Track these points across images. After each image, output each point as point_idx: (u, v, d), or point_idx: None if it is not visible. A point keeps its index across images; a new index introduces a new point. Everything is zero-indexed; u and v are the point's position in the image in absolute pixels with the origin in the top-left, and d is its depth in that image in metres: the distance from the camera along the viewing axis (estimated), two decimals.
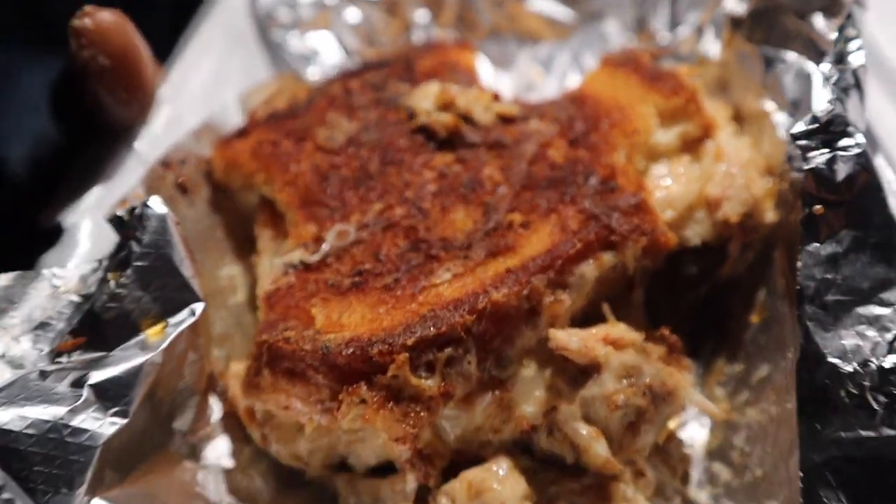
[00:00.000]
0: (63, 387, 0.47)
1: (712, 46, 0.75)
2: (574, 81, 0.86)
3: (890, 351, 0.46)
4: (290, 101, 0.75)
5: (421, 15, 0.89)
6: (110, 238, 0.57)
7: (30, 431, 0.46)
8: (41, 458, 0.45)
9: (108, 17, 0.62)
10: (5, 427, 0.46)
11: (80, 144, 0.69)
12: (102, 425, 0.47)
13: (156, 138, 0.69)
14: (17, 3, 0.98)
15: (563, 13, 0.88)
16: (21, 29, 0.99)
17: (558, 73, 0.88)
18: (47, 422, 0.46)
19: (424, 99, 0.70)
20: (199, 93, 0.75)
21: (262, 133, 0.70)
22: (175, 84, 0.72)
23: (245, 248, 0.71)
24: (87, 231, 0.60)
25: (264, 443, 0.58)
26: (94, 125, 0.66)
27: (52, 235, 0.58)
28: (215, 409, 0.61)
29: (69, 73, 0.65)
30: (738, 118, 0.70)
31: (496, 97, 0.73)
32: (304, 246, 0.60)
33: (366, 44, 0.89)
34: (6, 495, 0.45)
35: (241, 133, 0.72)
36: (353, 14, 0.88)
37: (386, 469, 0.56)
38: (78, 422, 0.46)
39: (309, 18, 0.88)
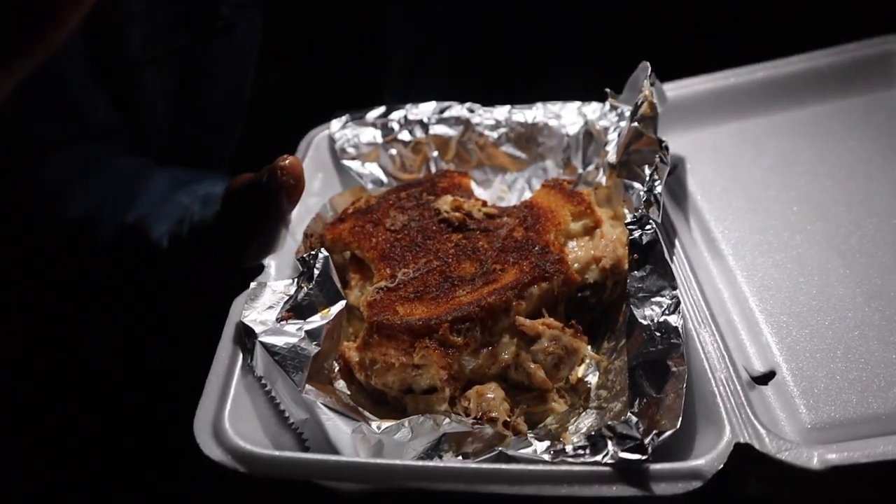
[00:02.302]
0: (292, 330, 0.79)
1: (603, 178, 1.02)
2: (527, 195, 1.09)
3: (662, 315, 0.73)
4: (366, 203, 1.05)
5: (434, 153, 1.17)
6: (285, 270, 0.91)
7: (284, 346, 0.76)
8: (289, 358, 0.75)
9: (293, 158, 0.87)
10: (274, 342, 0.76)
11: (254, 226, 0.91)
12: (311, 347, 0.77)
13: (292, 220, 0.98)
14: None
15: (521, 154, 1.15)
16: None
17: (517, 191, 1.15)
18: (290, 343, 0.76)
19: (444, 204, 0.96)
20: (305, 197, 1.01)
21: (353, 221, 0.99)
22: None
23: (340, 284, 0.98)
24: (274, 266, 0.88)
25: (366, 379, 0.82)
26: (265, 216, 0.90)
27: (257, 269, 0.89)
28: (335, 364, 0.88)
29: (260, 186, 0.86)
30: (615, 217, 0.96)
31: (484, 203, 1.02)
32: (384, 279, 0.90)
33: (400, 170, 1.18)
34: (273, 373, 0.74)
35: (340, 220, 1.02)
36: (392, 151, 1.16)
37: (431, 390, 0.80)
38: (301, 343, 0.77)
39: (366, 153, 1.15)
